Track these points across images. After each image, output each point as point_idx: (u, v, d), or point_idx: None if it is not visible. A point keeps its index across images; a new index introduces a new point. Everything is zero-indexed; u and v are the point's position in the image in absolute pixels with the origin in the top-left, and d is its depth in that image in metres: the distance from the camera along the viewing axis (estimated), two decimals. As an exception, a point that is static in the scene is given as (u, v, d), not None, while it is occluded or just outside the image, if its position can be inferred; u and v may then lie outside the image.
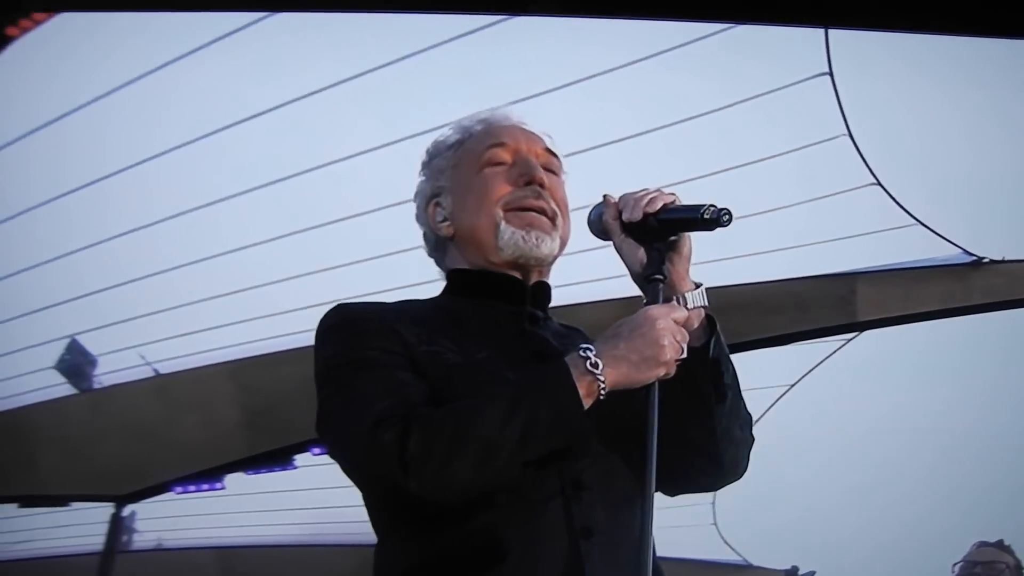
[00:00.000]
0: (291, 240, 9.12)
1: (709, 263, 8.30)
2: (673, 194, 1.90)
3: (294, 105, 7.76)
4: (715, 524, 12.49)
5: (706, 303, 1.94)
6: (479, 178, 2.09)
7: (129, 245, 9.14)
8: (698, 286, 1.93)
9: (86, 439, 11.27)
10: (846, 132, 7.93)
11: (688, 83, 8.08)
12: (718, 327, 1.94)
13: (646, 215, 1.87)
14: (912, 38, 6.73)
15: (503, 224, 2.02)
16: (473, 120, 2.20)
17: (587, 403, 1.79)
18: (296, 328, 9.43)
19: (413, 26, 7.02)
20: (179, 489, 11.88)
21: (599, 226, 1.98)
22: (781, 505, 12.69)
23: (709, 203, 1.84)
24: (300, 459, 11.01)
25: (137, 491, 12.50)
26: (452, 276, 2.15)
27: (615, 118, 8.27)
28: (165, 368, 10.96)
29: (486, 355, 1.93)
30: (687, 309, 1.88)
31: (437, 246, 2.17)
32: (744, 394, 2.08)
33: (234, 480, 11.67)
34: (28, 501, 12.92)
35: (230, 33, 7.12)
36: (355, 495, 1.97)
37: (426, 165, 2.21)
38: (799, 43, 7.82)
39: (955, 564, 5.18)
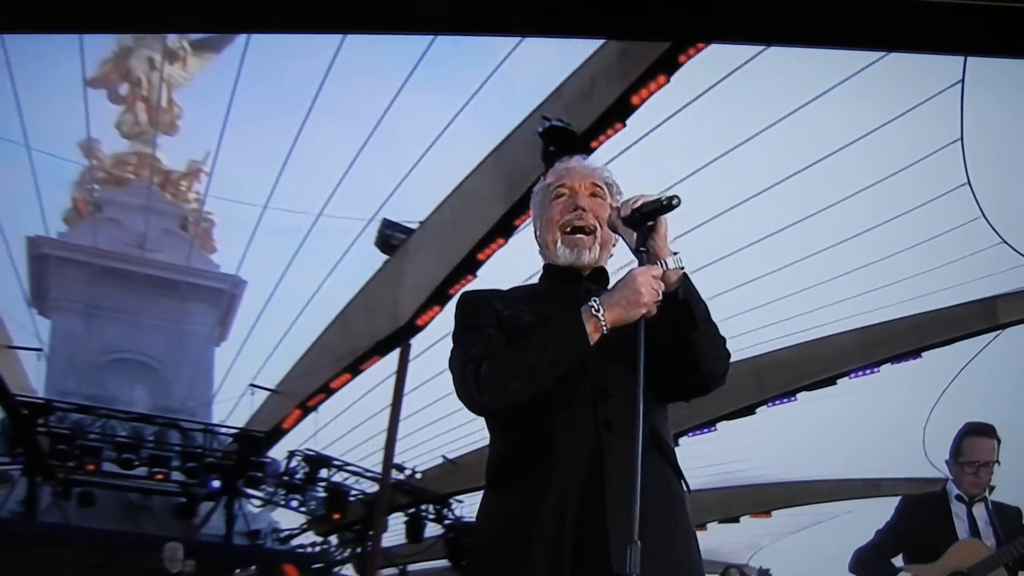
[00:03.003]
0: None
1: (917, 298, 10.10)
2: (652, 195, 2.07)
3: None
4: (925, 454, 12.23)
5: (682, 265, 2.06)
6: (548, 207, 2.31)
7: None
8: (675, 253, 2.06)
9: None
10: (980, 214, 9.20)
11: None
12: (689, 279, 2.07)
13: (633, 211, 2.05)
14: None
15: (559, 244, 2.26)
16: (555, 170, 2.36)
17: (594, 336, 2.00)
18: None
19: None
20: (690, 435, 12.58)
21: (611, 224, 2.14)
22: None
23: (666, 195, 2.03)
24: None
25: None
26: (543, 269, 2.35)
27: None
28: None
29: (551, 315, 2.10)
30: (666, 268, 2.04)
31: (540, 252, 2.36)
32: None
33: (722, 427, 12.53)
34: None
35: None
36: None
37: (531, 203, 2.41)
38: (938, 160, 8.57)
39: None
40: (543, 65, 7.86)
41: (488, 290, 2.31)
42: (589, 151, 7.60)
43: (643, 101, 7.19)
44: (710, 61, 7.09)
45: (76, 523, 13.20)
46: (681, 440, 12.35)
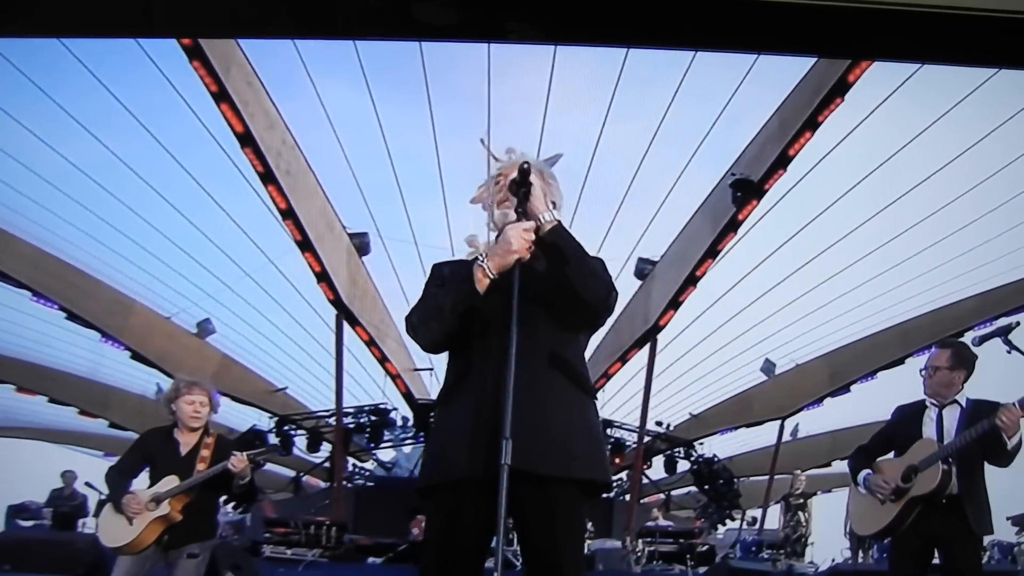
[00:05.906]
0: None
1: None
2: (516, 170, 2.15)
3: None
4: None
5: (555, 219, 2.12)
6: (494, 191, 2.34)
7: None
8: (550, 210, 2.15)
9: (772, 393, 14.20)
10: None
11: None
12: (563, 227, 2.13)
13: (510, 181, 2.19)
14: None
15: (496, 214, 2.29)
16: (501, 159, 2.36)
17: (484, 282, 2.08)
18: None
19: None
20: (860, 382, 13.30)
21: (506, 196, 2.25)
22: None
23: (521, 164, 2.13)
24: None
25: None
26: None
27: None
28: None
29: None
30: (540, 223, 2.11)
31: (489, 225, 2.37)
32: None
33: (882, 375, 13.11)
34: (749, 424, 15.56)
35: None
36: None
37: (484, 185, 2.42)
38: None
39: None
40: (734, 137, 9.45)
41: (445, 261, 2.37)
42: (764, 192, 8.90)
43: (796, 153, 8.38)
44: (838, 121, 8.18)
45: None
46: (853, 387, 13.65)
